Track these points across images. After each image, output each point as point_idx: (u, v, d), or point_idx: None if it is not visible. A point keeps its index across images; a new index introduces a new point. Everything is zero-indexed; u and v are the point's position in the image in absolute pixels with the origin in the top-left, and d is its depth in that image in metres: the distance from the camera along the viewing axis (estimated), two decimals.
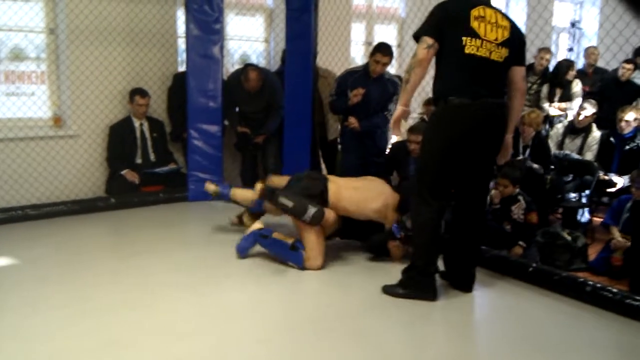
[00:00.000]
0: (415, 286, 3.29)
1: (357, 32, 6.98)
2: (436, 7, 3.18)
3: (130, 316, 2.99)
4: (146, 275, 3.57)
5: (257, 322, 3.00)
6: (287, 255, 3.82)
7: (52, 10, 5.10)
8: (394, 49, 5.08)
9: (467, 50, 3.05)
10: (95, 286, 3.38)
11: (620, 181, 4.99)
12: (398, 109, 3.25)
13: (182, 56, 5.74)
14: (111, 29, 5.28)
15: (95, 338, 2.73)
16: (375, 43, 5.04)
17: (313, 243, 3.79)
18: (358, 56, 7.09)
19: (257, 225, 4.06)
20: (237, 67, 6.22)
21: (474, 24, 3.06)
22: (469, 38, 3.05)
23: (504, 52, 3.12)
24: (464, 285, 3.46)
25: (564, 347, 2.90)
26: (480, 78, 3.11)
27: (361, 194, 3.93)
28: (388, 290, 3.37)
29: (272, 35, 6.46)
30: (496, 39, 3.09)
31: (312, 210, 3.75)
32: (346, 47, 6.64)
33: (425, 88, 6.45)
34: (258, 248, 3.94)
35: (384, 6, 7.22)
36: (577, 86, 6.59)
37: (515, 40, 3.20)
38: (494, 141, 3.28)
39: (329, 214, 3.83)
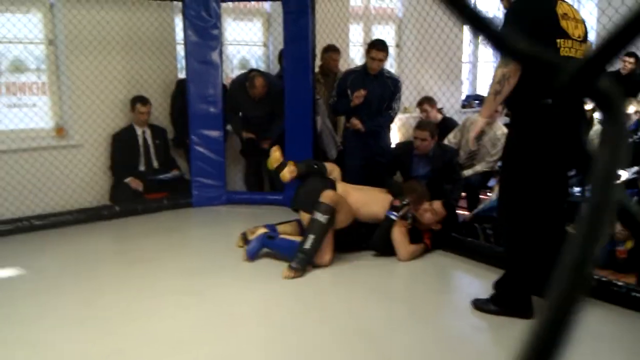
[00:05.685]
0: (510, 303, 3.08)
1: (355, 33, 7.00)
2: (517, 5, 2.96)
3: (136, 324, 3.01)
4: (151, 282, 3.59)
5: (263, 326, 3.01)
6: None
7: (50, 22, 5.14)
8: (393, 49, 5.08)
9: (562, 53, 2.90)
10: (101, 294, 3.40)
11: (624, 174, 4.98)
12: (480, 121, 3.06)
13: (182, 62, 5.76)
14: (110, 37, 5.31)
15: (101, 346, 2.75)
16: None
17: None
18: (357, 57, 7.10)
19: (261, 230, 4.09)
20: (236, 71, 6.24)
21: (563, 24, 2.91)
22: (562, 40, 2.89)
23: (584, 48, 3.02)
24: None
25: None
26: None
27: (367, 197, 4.09)
28: (479, 305, 3.20)
29: (270, 39, 6.48)
30: (579, 37, 2.98)
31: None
32: (344, 49, 6.66)
33: (425, 87, 6.49)
34: (265, 251, 3.97)
35: (380, 7, 7.24)
36: None
37: (587, 34, 3.11)
38: (579, 141, 3.26)
39: (327, 192, 3.83)
